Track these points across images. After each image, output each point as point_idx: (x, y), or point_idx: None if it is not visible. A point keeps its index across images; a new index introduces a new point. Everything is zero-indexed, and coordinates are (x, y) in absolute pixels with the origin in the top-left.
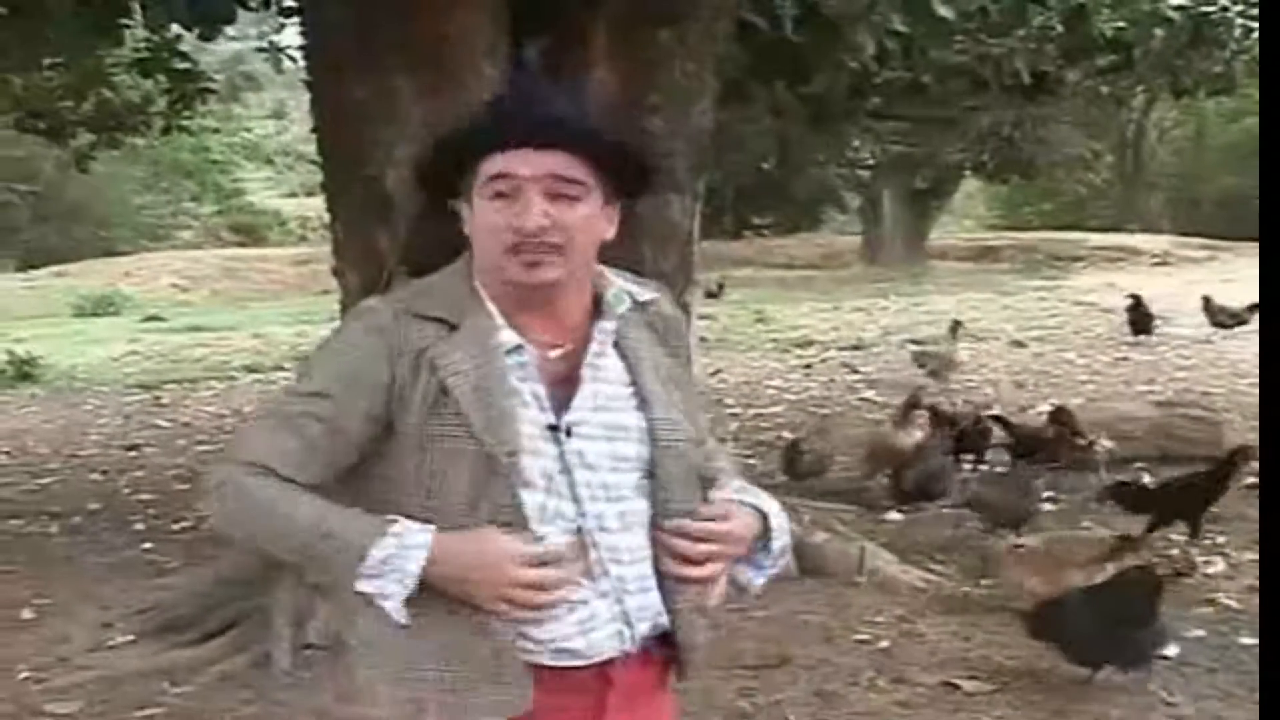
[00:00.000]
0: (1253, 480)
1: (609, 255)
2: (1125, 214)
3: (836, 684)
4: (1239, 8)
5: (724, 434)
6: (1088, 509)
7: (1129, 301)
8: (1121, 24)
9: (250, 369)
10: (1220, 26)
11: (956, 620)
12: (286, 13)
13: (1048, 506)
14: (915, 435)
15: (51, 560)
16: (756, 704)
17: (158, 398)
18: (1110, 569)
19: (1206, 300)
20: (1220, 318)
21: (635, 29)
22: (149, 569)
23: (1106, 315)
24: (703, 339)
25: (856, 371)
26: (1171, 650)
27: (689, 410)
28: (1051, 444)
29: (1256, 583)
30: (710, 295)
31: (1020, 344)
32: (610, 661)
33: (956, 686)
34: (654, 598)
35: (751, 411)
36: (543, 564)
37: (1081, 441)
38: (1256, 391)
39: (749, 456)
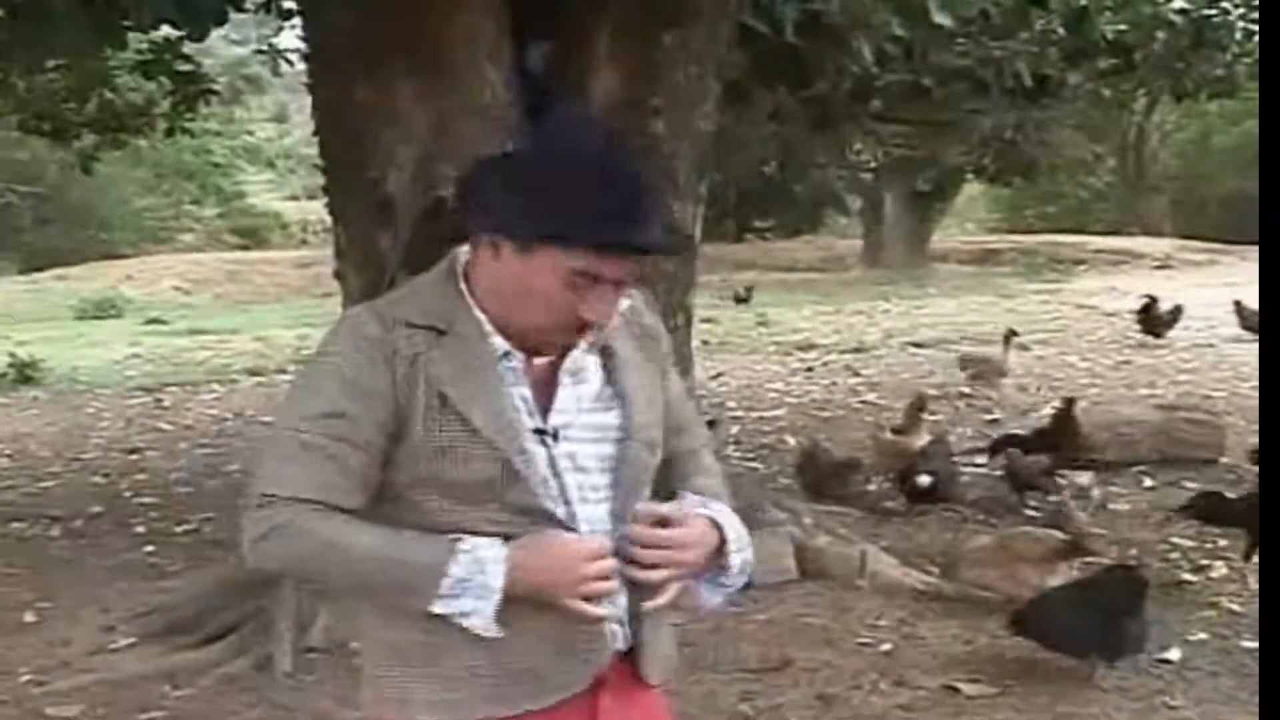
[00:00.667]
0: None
1: None
2: (1127, 217)
3: (838, 687)
4: (1240, 11)
5: (726, 436)
6: None
7: (1142, 303)
8: (1123, 27)
9: (252, 372)
10: (1221, 30)
11: (958, 623)
12: (286, 15)
13: None
14: (923, 438)
15: (53, 563)
16: (758, 707)
17: (159, 400)
18: (1066, 566)
19: (1238, 304)
20: (1252, 321)
21: (638, 32)
22: (150, 572)
23: (1108, 318)
24: (704, 342)
25: (858, 374)
26: (1174, 654)
27: (674, 411)
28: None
29: (1257, 586)
30: (740, 300)
31: (1023, 347)
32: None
33: (958, 690)
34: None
35: (753, 415)
36: (600, 556)
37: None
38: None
39: (750, 460)
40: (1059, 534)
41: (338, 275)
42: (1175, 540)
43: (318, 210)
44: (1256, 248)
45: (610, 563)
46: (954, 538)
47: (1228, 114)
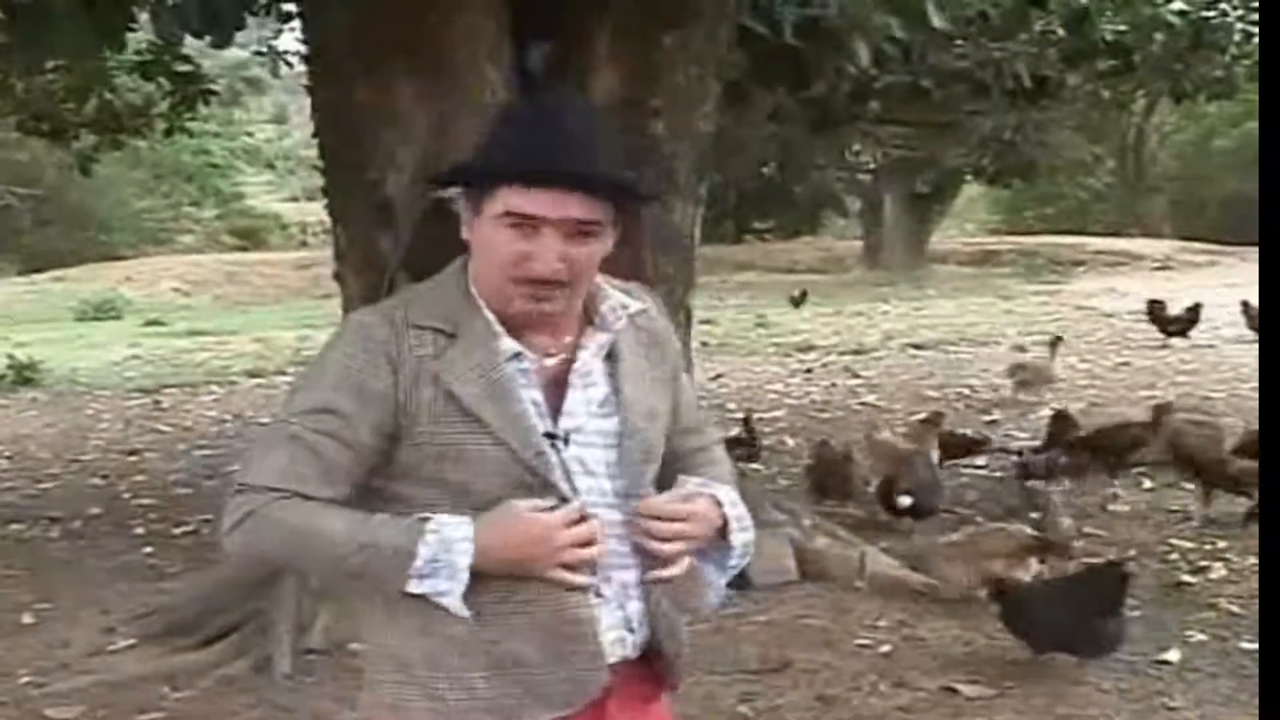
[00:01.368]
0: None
1: (610, 258)
2: (1126, 218)
3: (837, 688)
4: (1239, 12)
5: (725, 438)
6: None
7: (1152, 305)
8: (1122, 28)
9: (251, 373)
10: (1220, 31)
11: (958, 625)
12: (285, 17)
13: None
14: (933, 448)
15: (52, 564)
16: (757, 708)
17: (158, 402)
18: (1035, 563)
19: (1245, 305)
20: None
21: (638, 33)
22: (150, 573)
23: (1108, 319)
24: (704, 343)
25: (858, 376)
26: (1173, 655)
27: (685, 415)
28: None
29: (1257, 587)
30: (794, 304)
31: (1021, 348)
32: (610, 667)
33: (957, 691)
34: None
35: (753, 416)
36: (576, 521)
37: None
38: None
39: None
40: (1029, 531)
41: (337, 277)
42: (1174, 542)
43: (317, 212)
44: (1256, 249)
45: (588, 528)
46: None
47: (1227, 115)
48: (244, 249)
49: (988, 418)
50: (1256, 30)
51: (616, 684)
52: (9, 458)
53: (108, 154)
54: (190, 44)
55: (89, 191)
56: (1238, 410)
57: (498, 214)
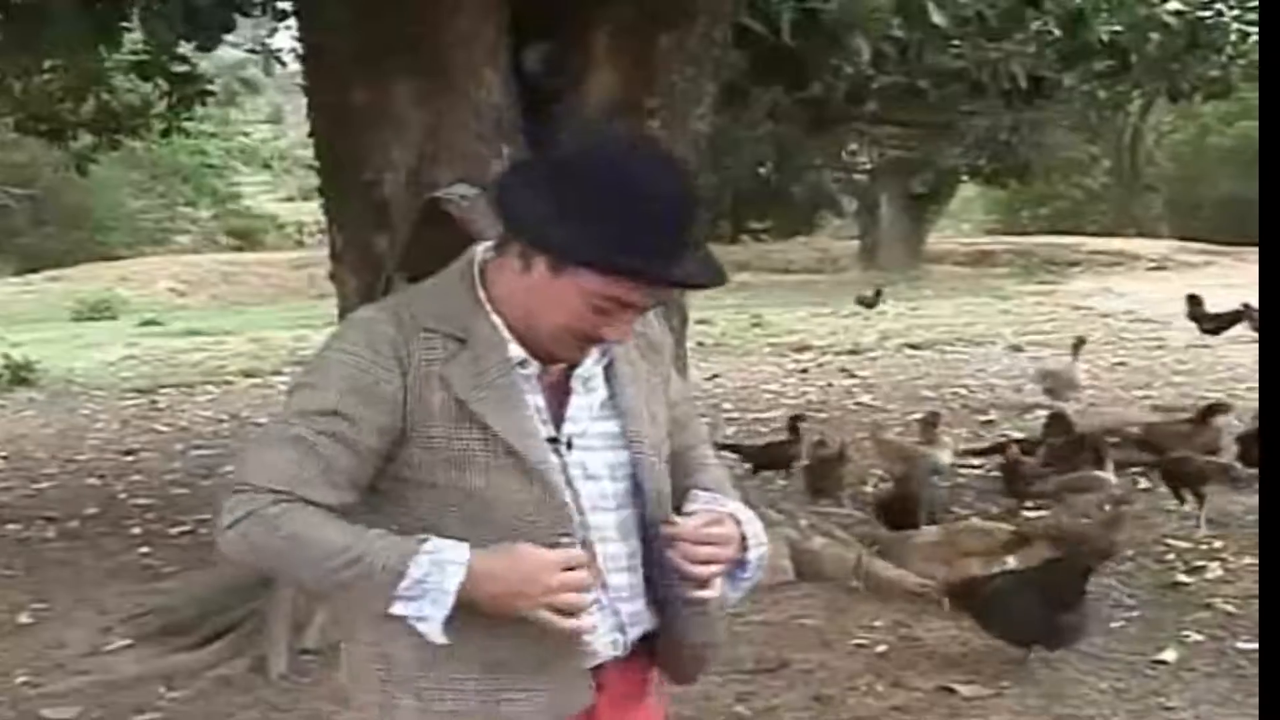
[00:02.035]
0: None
1: None
2: (1122, 218)
3: (834, 688)
4: (1235, 12)
5: (722, 439)
6: None
7: (1191, 301)
8: (1118, 28)
9: (248, 373)
10: (1216, 31)
11: (954, 625)
12: (280, 16)
13: None
14: (945, 449)
15: (48, 564)
16: (754, 708)
17: (155, 402)
18: (1011, 560)
19: (1245, 306)
20: None
21: (635, 33)
22: (146, 573)
23: (1104, 319)
24: (700, 343)
25: (854, 376)
26: (1170, 654)
27: (683, 423)
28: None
29: (1255, 587)
30: (867, 305)
31: (1017, 348)
32: (601, 667)
33: (954, 691)
34: (644, 604)
35: (749, 416)
36: (571, 568)
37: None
38: (1254, 395)
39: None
40: (1005, 526)
41: (333, 277)
42: (1170, 541)
43: (313, 212)
44: (1252, 249)
45: (582, 576)
46: None
47: (1223, 115)
48: (240, 249)
49: (983, 418)
50: (1252, 30)
51: (608, 683)
52: (5, 458)
53: (105, 154)
54: (187, 44)
55: (85, 192)
56: (1234, 411)
57: (586, 289)
